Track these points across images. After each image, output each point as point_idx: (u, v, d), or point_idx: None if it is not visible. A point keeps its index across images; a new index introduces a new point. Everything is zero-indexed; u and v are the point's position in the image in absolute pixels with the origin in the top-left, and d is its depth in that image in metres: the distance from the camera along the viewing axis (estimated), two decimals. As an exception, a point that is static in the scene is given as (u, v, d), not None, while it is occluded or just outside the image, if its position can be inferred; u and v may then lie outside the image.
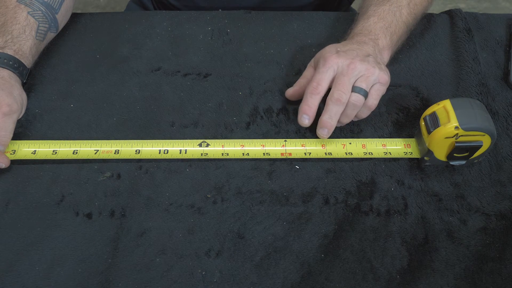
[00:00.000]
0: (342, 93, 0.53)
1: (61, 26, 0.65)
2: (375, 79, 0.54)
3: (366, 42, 0.58)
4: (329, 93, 0.54)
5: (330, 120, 0.54)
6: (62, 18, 0.64)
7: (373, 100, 0.55)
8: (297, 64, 0.65)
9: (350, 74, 0.53)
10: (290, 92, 0.60)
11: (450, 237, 0.50)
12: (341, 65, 0.54)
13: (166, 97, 0.61)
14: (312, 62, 0.59)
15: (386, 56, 0.60)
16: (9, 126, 0.53)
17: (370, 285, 0.47)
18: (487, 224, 0.51)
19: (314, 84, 0.55)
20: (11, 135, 0.54)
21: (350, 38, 0.60)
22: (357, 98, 0.54)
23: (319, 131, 0.55)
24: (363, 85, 0.54)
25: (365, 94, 0.54)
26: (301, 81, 0.59)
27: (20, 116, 0.57)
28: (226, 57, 0.65)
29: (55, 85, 0.62)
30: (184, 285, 0.46)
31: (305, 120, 0.55)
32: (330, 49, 0.57)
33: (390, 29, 0.60)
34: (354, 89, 0.54)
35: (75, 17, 0.69)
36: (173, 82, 0.63)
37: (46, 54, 0.64)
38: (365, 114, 0.56)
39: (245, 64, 0.65)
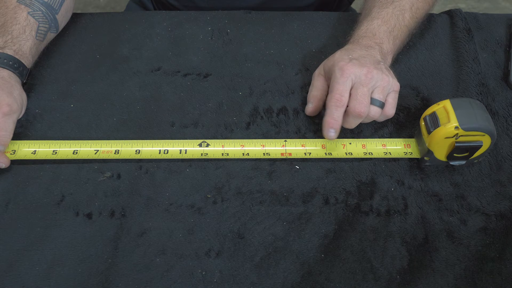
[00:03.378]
0: (363, 106, 0.53)
1: (61, 26, 0.65)
2: (390, 88, 0.55)
3: (372, 46, 0.57)
4: (350, 105, 0.53)
5: (349, 127, 0.55)
6: (62, 18, 0.64)
7: (391, 109, 0.56)
8: (297, 64, 0.65)
9: (369, 83, 0.53)
10: (310, 109, 0.58)
11: (450, 237, 0.50)
12: (359, 75, 0.53)
13: (166, 97, 0.61)
14: (321, 71, 0.58)
15: (389, 61, 0.60)
16: (9, 126, 0.53)
17: (370, 285, 0.47)
18: (487, 224, 0.51)
19: (337, 96, 0.53)
20: (11, 135, 0.54)
21: (355, 41, 0.59)
22: (376, 111, 0.54)
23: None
24: (380, 96, 0.54)
25: (382, 105, 0.54)
26: (316, 94, 0.58)
27: (20, 116, 0.57)
28: (226, 57, 0.65)
29: (55, 85, 0.62)
30: (184, 285, 0.46)
31: (332, 133, 0.54)
32: (341, 57, 0.56)
33: (393, 33, 0.60)
34: (372, 101, 0.54)
35: (75, 17, 0.69)
36: (173, 82, 0.63)
37: (46, 54, 0.64)
38: (381, 120, 0.57)
39: (245, 64, 0.65)
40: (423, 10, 0.64)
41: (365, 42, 0.58)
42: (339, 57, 0.56)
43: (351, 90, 0.54)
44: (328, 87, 0.56)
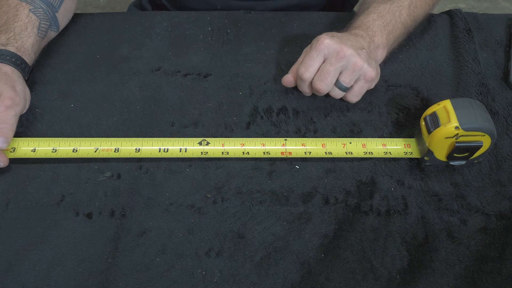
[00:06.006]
0: (324, 84, 0.55)
1: (61, 25, 0.65)
2: (361, 74, 0.56)
3: (363, 36, 0.58)
4: (313, 79, 0.56)
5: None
6: (63, 17, 0.65)
7: (353, 97, 0.58)
8: (297, 64, 0.65)
9: (337, 63, 0.54)
10: (287, 79, 0.60)
11: (450, 237, 0.50)
12: (331, 51, 0.54)
13: (166, 97, 0.61)
14: (308, 48, 0.59)
15: (380, 55, 0.60)
16: (11, 119, 0.53)
17: (370, 285, 0.47)
18: (487, 224, 0.51)
19: (302, 69, 0.56)
20: (14, 129, 0.54)
21: (347, 31, 0.60)
22: (337, 93, 0.57)
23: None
24: (346, 80, 0.55)
25: (345, 90, 0.56)
26: (296, 68, 0.59)
27: (24, 111, 0.57)
28: (226, 57, 0.65)
29: (55, 85, 0.62)
30: (184, 285, 0.46)
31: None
32: (327, 32, 0.57)
33: (387, 28, 0.60)
34: (337, 83, 0.56)
35: (75, 17, 0.69)
36: (173, 82, 0.63)
37: (47, 54, 0.64)
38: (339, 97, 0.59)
39: (245, 64, 0.65)
40: (421, 10, 0.64)
41: (357, 31, 0.59)
42: (325, 32, 0.57)
43: (321, 64, 0.56)
44: None
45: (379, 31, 0.59)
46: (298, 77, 0.57)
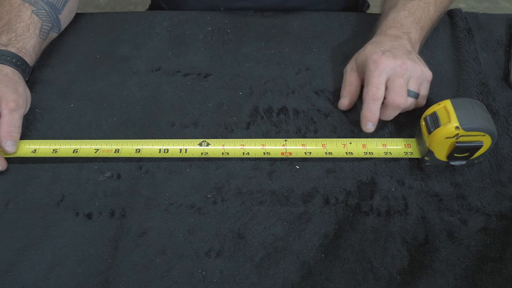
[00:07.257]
0: (402, 97, 0.53)
1: (63, 26, 0.66)
2: (423, 78, 0.56)
3: (401, 36, 0.58)
4: (387, 97, 0.54)
5: (387, 119, 0.56)
6: (65, 18, 0.65)
7: (424, 100, 0.58)
8: (297, 64, 0.65)
9: (404, 74, 0.54)
10: (345, 104, 0.58)
11: (450, 237, 0.50)
12: (393, 67, 0.54)
13: (166, 97, 0.61)
14: (353, 66, 0.58)
15: (417, 50, 0.60)
16: (17, 121, 0.54)
17: (370, 285, 0.47)
18: (487, 224, 0.50)
19: (373, 90, 0.54)
20: (20, 131, 0.54)
21: (382, 32, 0.60)
22: (411, 102, 0.56)
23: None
24: (415, 87, 0.55)
25: (417, 96, 0.56)
26: (350, 89, 0.58)
27: (25, 112, 0.57)
28: (226, 57, 0.65)
29: (55, 85, 0.62)
30: (184, 285, 0.46)
31: (370, 126, 0.55)
32: (373, 50, 0.56)
33: (420, 24, 0.60)
34: (408, 92, 0.55)
35: (75, 17, 0.69)
36: (173, 82, 0.63)
37: (47, 54, 0.64)
38: (411, 108, 0.58)
39: (245, 64, 0.65)
40: (445, 5, 0.65)
41: (393, 32, 0.58)
42: (371, 50, 0.56)
43: (387, 82, 0.54)
44: (362, 82, 0.57)
45: (413, 27, 0.59)
46: (369, 99, 0.54)
